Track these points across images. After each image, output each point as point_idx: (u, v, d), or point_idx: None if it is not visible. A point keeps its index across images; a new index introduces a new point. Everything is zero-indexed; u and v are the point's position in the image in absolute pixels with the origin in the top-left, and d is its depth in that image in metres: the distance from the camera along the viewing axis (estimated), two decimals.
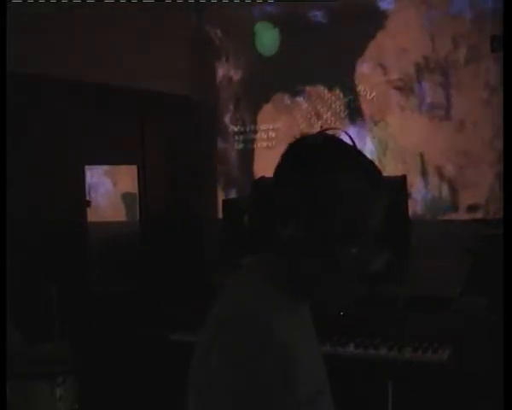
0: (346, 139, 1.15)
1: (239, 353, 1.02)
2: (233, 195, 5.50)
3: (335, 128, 1.18)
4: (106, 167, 4.92)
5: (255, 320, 1.06)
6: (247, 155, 5.52)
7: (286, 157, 1.14)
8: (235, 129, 5.59)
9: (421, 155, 4.85)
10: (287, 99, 5.31)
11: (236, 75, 5.55)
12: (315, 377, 1.16)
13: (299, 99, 5.26)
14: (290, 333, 1.09)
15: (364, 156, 1.13)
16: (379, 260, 1.14)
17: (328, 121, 5.12)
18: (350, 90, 5.08)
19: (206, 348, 1.08)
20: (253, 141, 5.48)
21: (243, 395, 1.01)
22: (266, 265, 1.15)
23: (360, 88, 5.04)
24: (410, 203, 4.39)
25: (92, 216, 4.63)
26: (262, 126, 5.42)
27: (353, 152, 1.13)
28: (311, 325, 1.27)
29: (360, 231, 1.09)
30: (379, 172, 1.13)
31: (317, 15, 5.13)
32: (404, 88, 4.87)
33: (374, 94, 4.99)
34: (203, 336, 1.12)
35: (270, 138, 5.34)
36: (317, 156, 1.09)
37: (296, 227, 1.09)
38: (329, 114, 5.15)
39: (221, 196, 5.47)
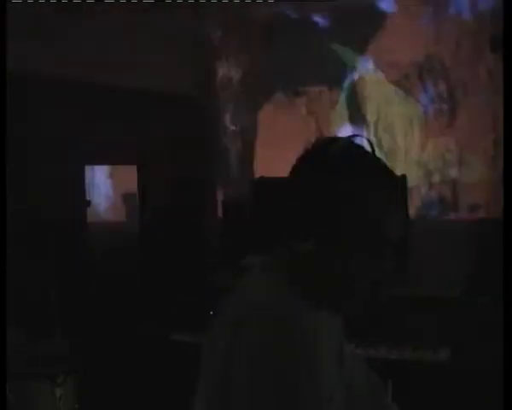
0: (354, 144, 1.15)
1: (266, 355, 1.02)
2: (233, 195, 5.49)
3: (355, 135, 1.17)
4: (106, 167, 4.91)
5: (281, 321, 1.06)
6: (247, 155, 5.51)
7: (305, 162, 1.13)
8: (236, 129, 5.58)
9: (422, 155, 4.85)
10: (287, 99, 5.30)
11: (236, 75, 5.54)
12: (330, 380, 1.16)
13: (299, 99, 5.26)
14: (313, 333, 1.10)
15: (385, 164, 1.13)
16: (391, 266, 1.13)
17: (329, 121, 5.12)
18: (350, 89, 5.08)
19: (225, 349, 1.08)
20: (253, 141, 5.47)
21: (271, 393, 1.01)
22: (282, 267, 1.14)
23: (360, 88, 5.03)
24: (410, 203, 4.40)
25: (92, 216, 4.62)
26: (262, 126, 5.41)
27: (375, 159, 1.13)
28: (334, 330, 1.28)
29: (381, 238, 1.09)
30: (397, 179, 1.14)
31: (318, 15, 5.13)
32: (405, 88, 4.87)
33: (374, 94, 4.98)
34: (217, 337, 1.12)
35: (270, 138, 5.34)
36: (340, 162, 1.08)
37: (316, 232, 1.08)
38: (329, 114, 5.14)
39: (221, 196, 5.47)
